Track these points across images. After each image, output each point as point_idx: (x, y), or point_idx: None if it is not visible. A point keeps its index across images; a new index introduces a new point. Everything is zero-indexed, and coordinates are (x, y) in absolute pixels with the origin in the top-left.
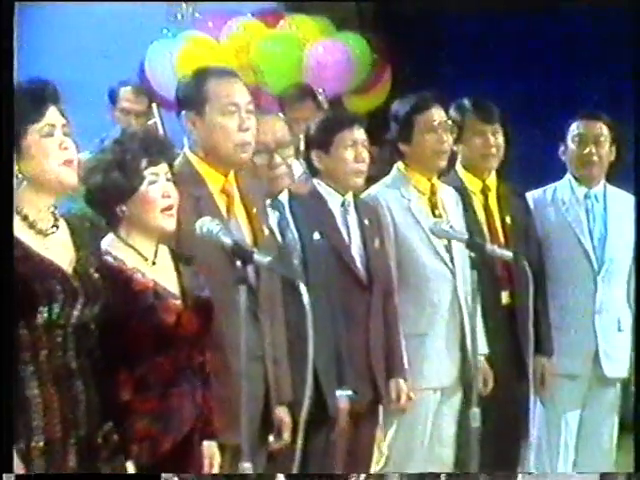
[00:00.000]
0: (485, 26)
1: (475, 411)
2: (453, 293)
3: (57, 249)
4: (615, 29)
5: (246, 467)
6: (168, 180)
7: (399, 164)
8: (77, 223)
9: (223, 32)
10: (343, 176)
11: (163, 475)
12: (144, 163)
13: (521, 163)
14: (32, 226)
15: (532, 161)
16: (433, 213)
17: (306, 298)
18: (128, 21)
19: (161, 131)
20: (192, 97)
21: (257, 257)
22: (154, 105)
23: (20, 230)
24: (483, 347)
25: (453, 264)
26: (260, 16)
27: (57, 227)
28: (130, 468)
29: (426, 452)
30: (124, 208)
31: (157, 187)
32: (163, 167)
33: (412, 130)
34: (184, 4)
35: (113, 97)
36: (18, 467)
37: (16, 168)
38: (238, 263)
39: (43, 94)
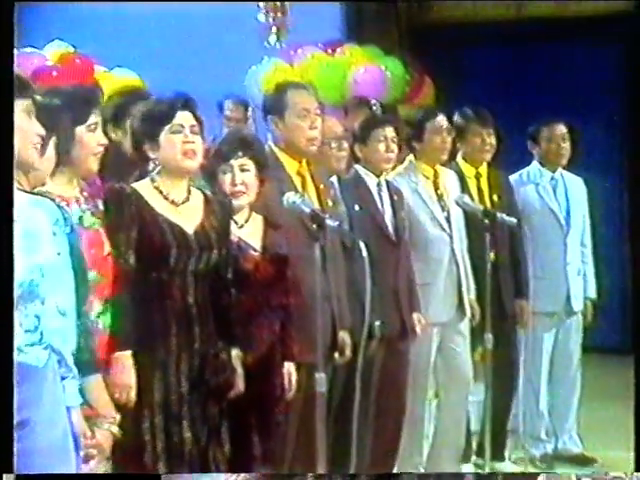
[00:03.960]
0: (499, 55)
1: (489, 336)
2: (451, 253)
3: (185, 215)
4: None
5: (321, 377)
6: (243, 171)
7: (410, 156)
8: (209, 196)
9: (297, 59)
10: (376, 163)
11: (162, 476)
12: (230, 157)
13: (502, 155)
14: (166, 198)
15: (509, 153)
16: (436, 192)
17: (365, 252)
18: (233, 47)
19: (253, 132)
20: (275, 104)
21: (328, 222)
22: (250, 111)
23: (155, 200)
24: (472, 292)
25: (451, 230)
26: (326, 45)
27: (189, 199)
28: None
29: (438, 373)
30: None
31: (228, 177)
32: (242, 160)
33: (423, 132)
34: (274, 32)
35: (220, 107)
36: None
37: (153, 156)
38: (314, 226)
39: (173, 103)
